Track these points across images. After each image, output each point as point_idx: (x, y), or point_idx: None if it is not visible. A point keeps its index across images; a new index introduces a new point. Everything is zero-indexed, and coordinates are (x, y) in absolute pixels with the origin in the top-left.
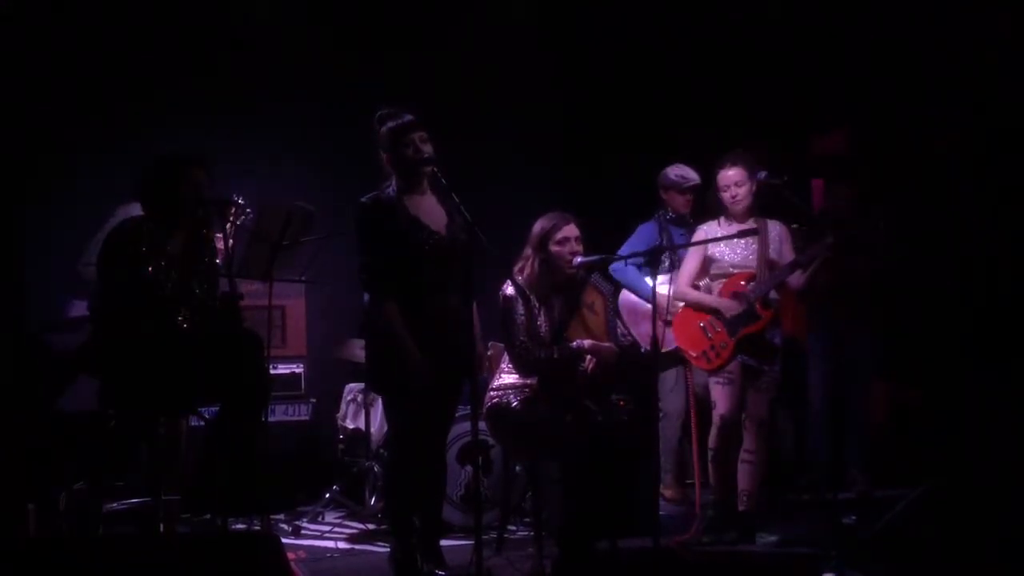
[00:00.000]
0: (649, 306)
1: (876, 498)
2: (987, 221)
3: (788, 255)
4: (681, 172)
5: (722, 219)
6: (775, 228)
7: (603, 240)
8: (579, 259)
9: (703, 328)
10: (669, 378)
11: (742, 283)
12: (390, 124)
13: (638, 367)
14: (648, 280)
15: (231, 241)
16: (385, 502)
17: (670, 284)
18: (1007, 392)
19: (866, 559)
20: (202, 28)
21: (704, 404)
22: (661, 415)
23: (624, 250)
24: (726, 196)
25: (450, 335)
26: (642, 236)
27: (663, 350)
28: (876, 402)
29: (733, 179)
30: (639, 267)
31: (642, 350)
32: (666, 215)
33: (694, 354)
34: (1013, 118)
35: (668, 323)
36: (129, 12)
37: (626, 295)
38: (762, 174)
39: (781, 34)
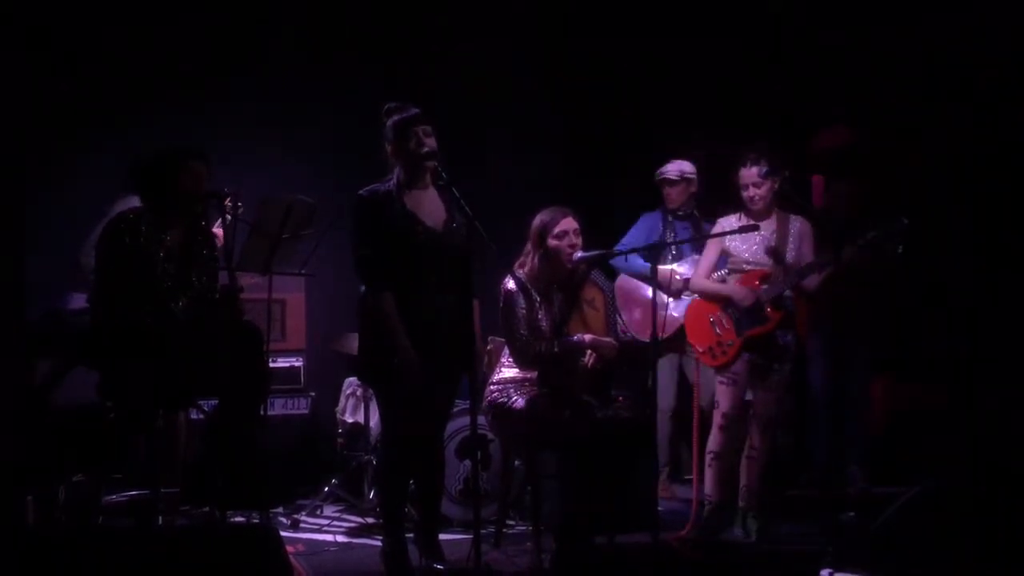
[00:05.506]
0: (642, 293)
1: (875, 495)
2: (987, 218)
3: (807, 252)
4: (666, 167)
5: (742, 214)
6: (796, 225)
7: (604, 235)
8: (579, 254)
9: (712, 323)
10: (663, 373)
11: (756, 282)
12: (395, 117)
13: (638, 362)
14: (644, 263)
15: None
16: (377, 495)
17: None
18: (1008, 390)
19: (864, 556)
20: (201, 25)
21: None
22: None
23: (625, 238)
24: (744, 194)
25: (446, 331)
26: (643, 226)
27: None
28: (876, 400)
29: (751, 178)
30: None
31: (631, 336)
32: (667, 208)
33: (700, 349)
34: (1013, 116)
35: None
36: (129, 9)
37: (620, 282)
38: (763, 169)
39: (780, 30)
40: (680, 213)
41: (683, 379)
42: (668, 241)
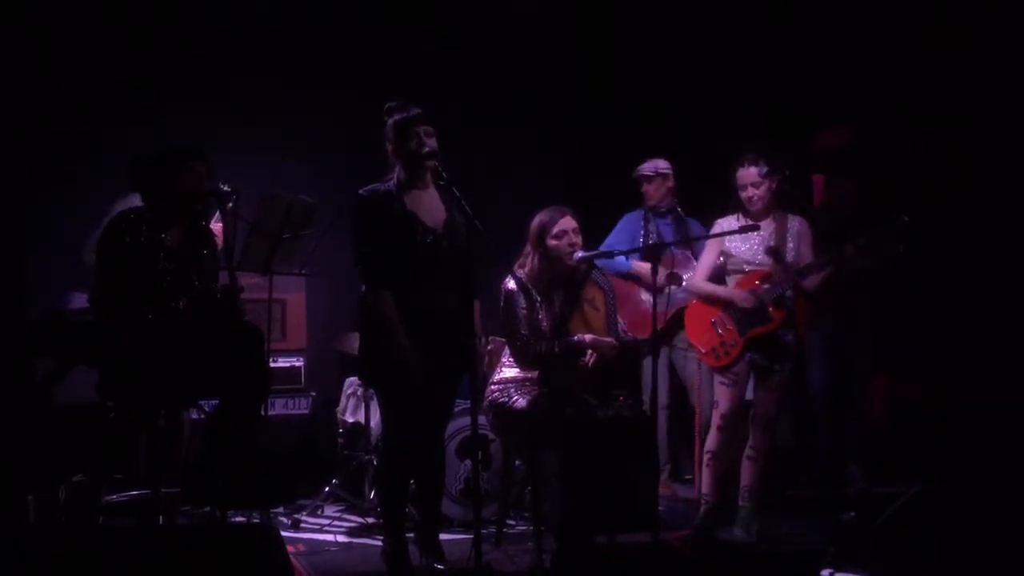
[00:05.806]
0: (626, 291)
1: (875, 495)
2: (987, 215)
3: (806, 252)
4: (642, 164)
5: (740, 214)
6: (795, 225)
7: (606, 234)
8: (580, 254)
9: (714, 324)
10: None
11: (756, 283)
12: (396, 116)
13: (638, 362)
14: (623, 259)
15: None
16: (377, 495)
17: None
18: (1008, 388)
19: (864, 556)
20: (202, 24)
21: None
22: (646, 408)
23: (609, 238)
24: (743, 195)
25: (445, 331)
26: (625, 226)
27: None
28: (875, 399)
29: (750, 178)
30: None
31: (632, 336)
32: (647, 205)
33: (704, 350)
34: (1013, 115)
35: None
36: (129, 8)
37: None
38: (762, 169)
39: (780, 28)
40: (661, 209)
41: (673, 372)
42: (667, 242)
